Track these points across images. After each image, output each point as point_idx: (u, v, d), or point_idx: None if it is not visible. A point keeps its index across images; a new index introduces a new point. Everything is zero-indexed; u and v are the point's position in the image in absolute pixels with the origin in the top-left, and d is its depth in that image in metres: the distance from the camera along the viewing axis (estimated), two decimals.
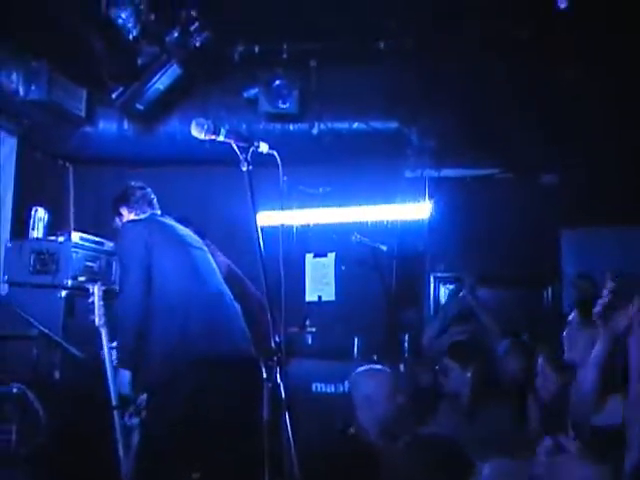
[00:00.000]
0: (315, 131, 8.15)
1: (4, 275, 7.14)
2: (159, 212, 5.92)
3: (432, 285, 9.32)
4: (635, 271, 7.56)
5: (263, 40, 7.68)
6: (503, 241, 8.74)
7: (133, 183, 5.96)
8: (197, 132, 4.21)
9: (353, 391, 5.52)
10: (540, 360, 5.39)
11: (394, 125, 8.15)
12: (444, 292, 9.34)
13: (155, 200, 5.96)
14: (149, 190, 5.96)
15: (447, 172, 8.88)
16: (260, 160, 4.24)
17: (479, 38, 7.13)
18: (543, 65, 7.34)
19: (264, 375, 4.28)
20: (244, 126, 8.06)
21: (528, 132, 7.87)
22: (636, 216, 7.95)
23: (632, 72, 7.00)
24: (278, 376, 4.07)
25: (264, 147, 4.30)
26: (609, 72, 7.11)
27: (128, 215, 5.84)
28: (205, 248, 5.96)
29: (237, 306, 5.66)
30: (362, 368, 5.63)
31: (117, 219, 5.91)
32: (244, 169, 4.18)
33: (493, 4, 6.69)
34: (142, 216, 5.77)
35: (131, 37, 6.85)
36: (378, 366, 5.83)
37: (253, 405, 4.10)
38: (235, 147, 4.21)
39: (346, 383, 6.80)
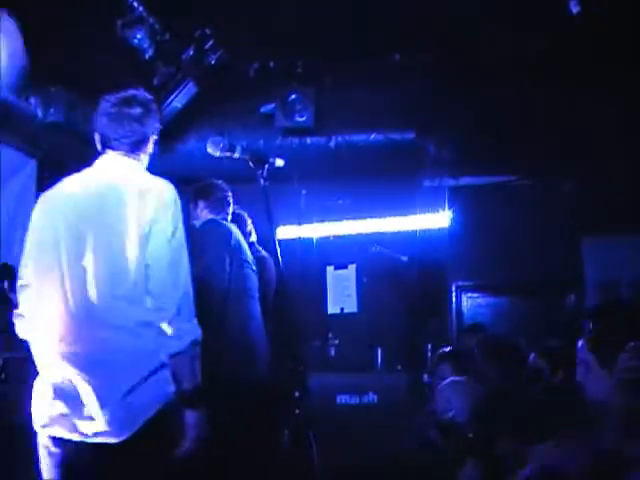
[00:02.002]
0: (332, 144, 8.17)
1: None
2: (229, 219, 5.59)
3: (454, 294, 9.31)
4: None
5: (278, 55, 7.71)
6: (524, 248, 8.72)
7: (218, 182, 5.64)
8: (213, 150, 4.26)
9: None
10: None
11: (411, 136, 8.16)
12: (466, 301, 9.34)
13: (229, 207, 5.61)
14: (229, 194, 5.63)
15: (465, 180, 8.88)
16: (278, 175, 4.28)
17: (496, 49, 7.13)
18: (561, 73, 7.33)
19: (287, 389, 4.28)
20: (261, 141, 8.09)
21: (547, 139, 7.86)
22: None
23: None
24: (301, 390, 4.05)
25: (280, 162, 4.33)
26: (629, 80, 7.08)
27: (203, 210, 5.50)
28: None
29: None
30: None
31: (192, 207, 5.53)
32: (261, 185, 4.20)
33: (509, 15, 6.69)
34: (218, 217, 5.39)
35: (147, 57, 6.90)
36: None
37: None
38: (251, 164, 4.24)
39: (370, 394, 6.81)
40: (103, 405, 3.26)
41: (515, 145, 8.07)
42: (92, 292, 3.42)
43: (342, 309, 8.98)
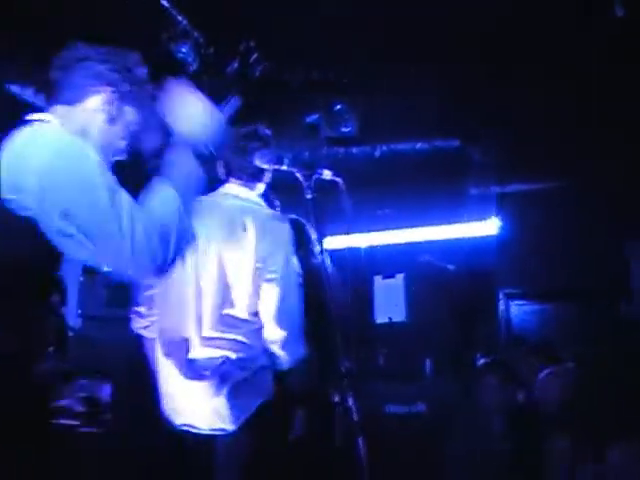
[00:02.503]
0: (378, 153, 8.18)
1: (78, 309, 7.26)
2: None
3: (502, 302, 9.25)
4: None
5: (322, 66, 7.72)
6: (573, 254, 8.65)
7: None
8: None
9: None
10: None
11: (456, 143, 8.14)
12: (514, 308, 9.28)
13: None
14: None
15: (512, 187, 8.84)
16: (324, 185, 4.30)
17: (541, 52, 7.08)
18: (612, 76, 7.26)
19: (336, 399, 4.33)
20: (307, 152, 8.12)
21: (592, 143, 7.81)
22: None
23: None
24: (350, 400, 4.07)
25: (327, 174, 4.37)
26: None
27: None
28: None
29: None
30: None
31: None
32: (308, 197, 4.23)
33: (553, 16, 6.64)
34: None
35: (191, 71, 6.94)
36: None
37: None
38: (299, 176, 4.27)
39: (419, 403, 6.79)
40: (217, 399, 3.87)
41: (562, 149, 8.02)
42: (216, 305, 4.13)
43: (390, 318, 8.96)
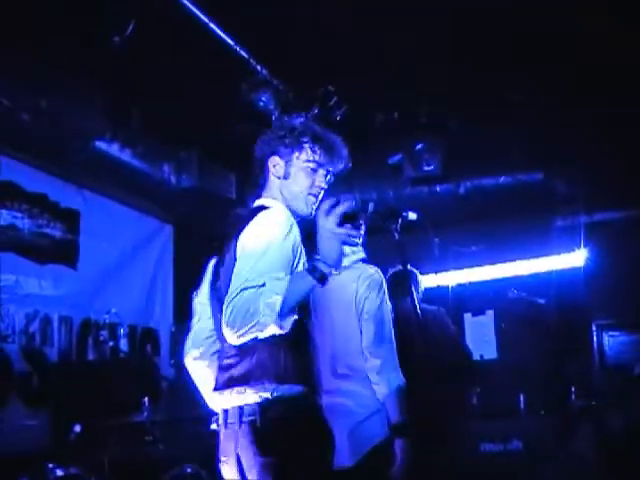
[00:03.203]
0: (462, 190, 8.17)
1: (171, 359, 7.35)
2: None
3: (595, 333, 9.11)
4: None
5: (402, 105, 7.76)
6: None
7: None
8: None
9: None
10: None
11: (540, 175, 8.09)
12: (607, 339, 9.13)
13: None
14: None
15: (599, 217, 8.73)
16: (411, 225, 4.32)
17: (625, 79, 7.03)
18: None
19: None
20: (391, 192, 8.14)
21: None
22: None
23: None
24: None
25: (413, 216, 4.39)
26: None
27: None
28: None
29: None
30: None
31: None
32: (396, 238, 4.27)
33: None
34: None
35: (273, 118, 7.02)
36: None
37: None
38: (384, 219, 4.31)
39: (514, 441, 6.71)
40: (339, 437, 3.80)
41: None
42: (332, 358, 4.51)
43: (482, 356, 8.89)
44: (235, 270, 3.25)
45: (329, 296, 4.28)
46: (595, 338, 9.11)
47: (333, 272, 3.09)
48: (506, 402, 7.70)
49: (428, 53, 6.61)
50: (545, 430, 6.82)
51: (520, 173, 8.14)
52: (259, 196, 3.73)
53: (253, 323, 3.04)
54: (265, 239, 3.27)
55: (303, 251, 3.40)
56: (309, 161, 3.57)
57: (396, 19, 6.13)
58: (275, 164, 3.65)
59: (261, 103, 6.88)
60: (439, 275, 8.73)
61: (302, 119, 3.76)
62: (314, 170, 3.58)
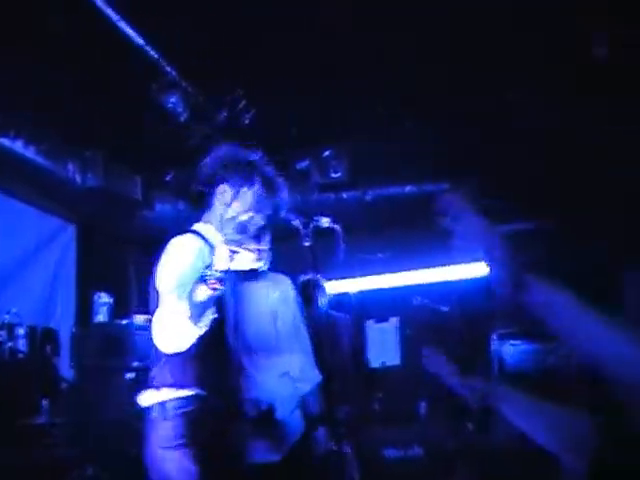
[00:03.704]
0: (368, 197, 8.21)
1: (71, 360, 7.24)
2: None
3: (496, 342, 9.23)
4: None
5: (310, 113, 7.76)
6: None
7: None
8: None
9: None
10: None
11: (446, 186, 8.17)
12: (508, 348, 9.25)
13: None
14: None
15: (503, 227, 8.84)
16: (322, 231, 4.33)
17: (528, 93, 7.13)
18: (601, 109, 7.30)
19: (333, 446, 4.37)
20: (298, 198, 8.14)
21: (580, 177, 7.85)
22: None
23: None
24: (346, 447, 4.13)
25: (325, 222, 4.39)
26: None
27: None
28: None
29: None
30: None
31: None
32: (307, 244, 4.26)
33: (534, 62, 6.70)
34: None
35: (181, 120, 6.97)
36: None
37: None
38: (297, 224, 4.30)
39: (415, 447, 6.77)
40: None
41: (549, 188, 8.06)
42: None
43: (384, 362, 8.95)
44: None
45: (246, 304, 4.51)
46: (496, 347, 9.22)
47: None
48: (408, 408, 7.76)
49: (343, 62, 6.63)
50: (445, 437, 6.88)
51: (426, 183, 8.20)
52: (198, 219, 4.04)
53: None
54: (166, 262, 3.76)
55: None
56: (254, 198, 3.95)
57: (295, 21, 6.13)
58: (223, 191, 3.96)
59: (170, 105, 6.82)
60: (344, 281, 8.76)
61: (258, 155, 4.14)
62: (255, 207, 3.95)
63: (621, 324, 1.85)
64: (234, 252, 3.81)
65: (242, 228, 3.94)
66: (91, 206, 7.86)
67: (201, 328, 3.40)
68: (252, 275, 4.76)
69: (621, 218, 8.40)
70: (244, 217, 3.95)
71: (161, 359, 3.60)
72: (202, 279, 3.22)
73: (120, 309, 7.70)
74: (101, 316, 7.45)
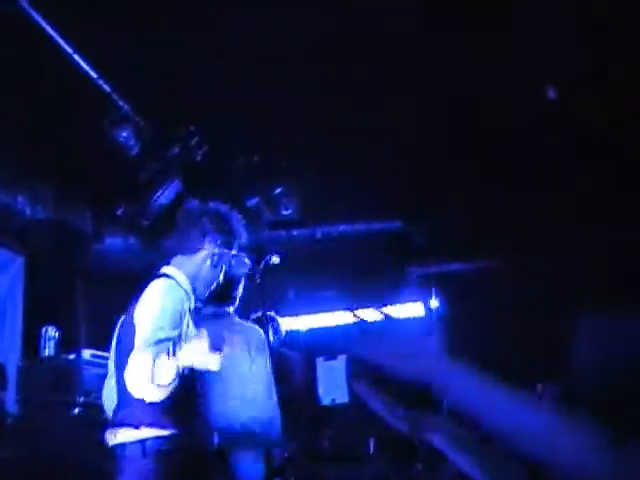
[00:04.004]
0: (318, 235, 8.24)
1: (17, 395, 7.16)
2: None
3: None
4: None
5: (262, 150, 7.78)
6: (513, 331, 8.72)
7: None
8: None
9: None
10: None
11: (396, 225, 8.23)
12: None
13: None
14: None
15: (453, 266, 8.93)
16: (272, 268, 4.37)
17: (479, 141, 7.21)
18: (543, 161, 7.39)
19: None
20: (249, 235, 8.15)
21: (531, 220, 7.94)
22: None
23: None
24: None
25: (276, 260, 4.43)
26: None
27: None
28: None
29: None
30: None
31: None
32: (257, 282, 4.29)
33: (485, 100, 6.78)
34: None
35: (133, 154, 6.97)
36: None
37: None
38: (247, 262, 4.33)
39: None
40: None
41: (501, 229, 8.14)
42: None
43: (334, 400, 8.93)
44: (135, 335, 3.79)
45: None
46: None
47: None
48: (357, 446, 7.75)
49: (292, 100, 6.67)
50: (394, 474, 6.89)
51: (377, 222, 8.26)
52: (168, 263, 4.28)
53: None
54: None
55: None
56: (222, 250, 4.21)
57: (263, 67, 6.18)
58: (197, 242, 4.19)
59: (122, 139, 6.82)
60: (293, 319, 8.77)
61: (238, 219, 4.39)
62: (220, 257, 4.20)
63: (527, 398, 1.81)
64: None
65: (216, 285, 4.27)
66: (40, 238, 7.82)
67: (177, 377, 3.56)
68: (224, 321, 4.79)
69: (572, 262, 8.51)
70: (221, 276, 4.26)
71: (133, 400, 3.71)
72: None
73: (68, 343, 7.64)
74: (48, 350, 7.38)
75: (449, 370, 1.72)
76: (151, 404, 3.69)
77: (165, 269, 4.27)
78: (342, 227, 8.28)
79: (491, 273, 9.01)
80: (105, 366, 7.19)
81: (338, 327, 9.22)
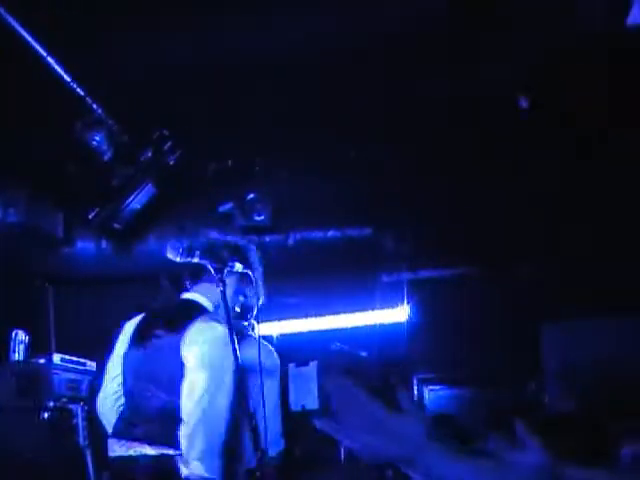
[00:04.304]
0: (291, 241, 8.24)
1: None
2: None
3: (416, 387, 9.31)
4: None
5: (235, 155, 7.78)
6: (484, 338, 8.77)
7: None
8: (173, 255, 4.32)
9: None
10: None
11: (368, 231, 8.24)
12: (427, 393, 9.33)
13: None
14: None
15: (424, 274, 8.95)
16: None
17: (452, 144, 7.23)
18: (513, 167, 7.43)
19: None
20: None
21: (499, 229, 7.96)
22: (618, 307, 8.01)
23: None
24: None
25: (239, 267, 4.46)
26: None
27: None
28: None
29: None
30: None
31: None
32: (219, 289, 4.30)
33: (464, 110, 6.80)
34: None
35: (105, 158, 6.95)
36: None
37: None
38: (210, 268, 4.33)
39: None
40: None
41: (471, 236, 8.16)
42: None
43: (303, 406, 8.92)
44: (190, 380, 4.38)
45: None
46: (416, 392, 9.30)
47: None
48: (328, 454, 7.75)
49: (266, 105, 6.67)
50: None
51: (349, 228, 8.26)
52: (186, 289, 4.85)
53: None
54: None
55: None
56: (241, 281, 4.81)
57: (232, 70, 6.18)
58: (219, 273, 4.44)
59: (94, 142, 6.80)
60: (265, 325, 8.75)
61: (255, 252, 5.10)
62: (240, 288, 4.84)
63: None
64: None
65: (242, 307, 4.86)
66: (11, 242, 7.77)
67: None
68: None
69: (543, 268, 8.56)
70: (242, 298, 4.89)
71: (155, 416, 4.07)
72: None
73: (38, 347, 7.60)
74: (18, 354, 7.34)
75: (428, 450, 1.87)
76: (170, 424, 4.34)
77: (192, 296, 4.82)
78: (314, 234, 8.27)
79: (463, 279, 9.05)
80: (76, 371, 7.18)
81: (310, 333, 9.22)
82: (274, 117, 6.86)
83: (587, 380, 8.35)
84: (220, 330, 4.41)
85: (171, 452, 4.31)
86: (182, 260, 4.38)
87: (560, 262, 8.41)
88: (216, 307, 4.72)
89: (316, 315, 9.15)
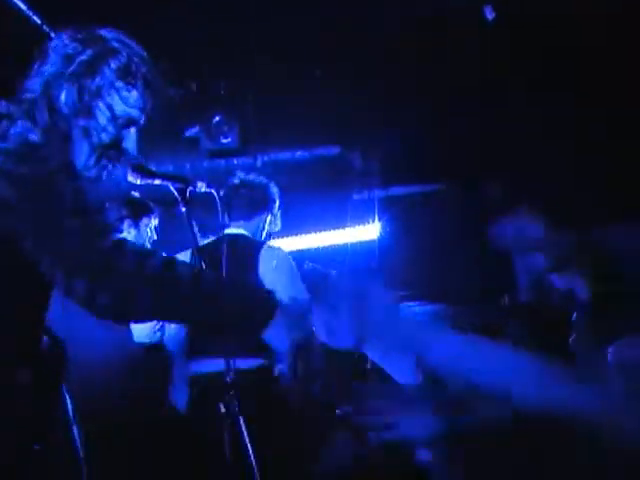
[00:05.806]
0: (259, 163, 8.21)
1: None
2: None
3: None
4: None
5: (200, 78, 7.71)
6: (457, 255, 8.78)
7: None
8: (133, 178, 4.25)
9: None
10: None
11: (336, 150, 8.22)
12: (404, 310, 9.38)
13: None
14: None
15: (394, 191, 8.94)
16: (202, 197, 4.35)
17: (419, 64, 7.17)
18: (483, 80, 7.38)
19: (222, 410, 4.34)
20: (188, 165, 8.09)
21: (469, 144, 7.94)
22: (598, 211, 8.03)
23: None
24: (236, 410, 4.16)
25: (202, 186, 4.38)
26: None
27: None
28: None
29: None
30: None
31: None
32: (183, 210, 4.25)
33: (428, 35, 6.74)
34: None
35: None
36: None
37: None
38: (172, 189, 4.28)
39: None
40: None
41: (441, 152, 8.14)
42: None
43: None
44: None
45: None
46: None
47: None
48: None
49: (231, 25, 6.60)
50: None
51: (317, 147, 8.24)
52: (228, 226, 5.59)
53: None
54: None
55: None
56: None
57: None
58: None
59: None
60: None
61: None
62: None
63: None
64: None
65: None
66: None
67: None
68: None
69: (516, 185, 8.55)
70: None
71: None
72: None
73: None
74: None
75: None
76: None
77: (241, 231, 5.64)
78: (282, 155, 8.25)
79: (435, 195, 9.05)
80: None
81: None
82: (239, 38, 6.80)
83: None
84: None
85: None
86: (143, 183, 4.32)
87: (531, 178, 8.39)
88: None
89: (287, 235, 9.15)
